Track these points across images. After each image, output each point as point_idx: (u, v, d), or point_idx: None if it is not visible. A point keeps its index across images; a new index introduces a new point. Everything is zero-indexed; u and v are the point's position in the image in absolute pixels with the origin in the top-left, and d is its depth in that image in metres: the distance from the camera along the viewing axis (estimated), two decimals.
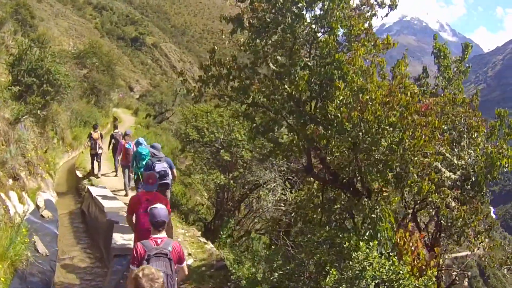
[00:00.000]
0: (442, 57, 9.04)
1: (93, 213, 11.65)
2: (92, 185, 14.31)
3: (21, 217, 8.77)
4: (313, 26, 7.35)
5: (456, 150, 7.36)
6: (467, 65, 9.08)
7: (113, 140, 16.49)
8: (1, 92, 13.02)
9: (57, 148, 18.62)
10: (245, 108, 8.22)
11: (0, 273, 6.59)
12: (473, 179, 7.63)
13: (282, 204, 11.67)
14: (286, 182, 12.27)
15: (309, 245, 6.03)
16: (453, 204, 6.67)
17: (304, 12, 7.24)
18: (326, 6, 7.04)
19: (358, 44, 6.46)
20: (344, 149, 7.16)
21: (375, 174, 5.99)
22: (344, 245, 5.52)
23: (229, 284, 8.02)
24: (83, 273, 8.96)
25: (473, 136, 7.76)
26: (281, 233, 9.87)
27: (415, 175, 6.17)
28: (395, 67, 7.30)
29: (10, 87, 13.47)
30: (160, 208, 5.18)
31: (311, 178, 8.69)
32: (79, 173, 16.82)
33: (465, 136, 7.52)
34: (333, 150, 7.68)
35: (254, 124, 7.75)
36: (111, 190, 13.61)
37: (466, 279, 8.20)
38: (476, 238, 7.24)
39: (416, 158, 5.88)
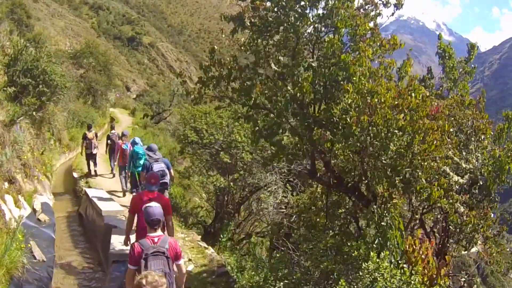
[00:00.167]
0: (447, 57, 8.85)
1: (91, 216, 11.45)
2: (89, 187, 14.10)
3: (17, 222, 8.58)
4: (317, 25, 7.15)
5: (464, 153, 7.17)
6: (472, 65, 8.90)
7: (109, 141, 16.31)
8: None
9: (54, 150, 18.42)
10: (247, 110, 8.03)
11: None
12: (481, 183, 7.47)
13: (283, 207, 11.51)
14: (287, 184, 12.09)
15: (315, 253, 5.84)
16: (462, 209, 6.48)
17: (307, 11, 7.04)
18: (330, 5, 6.85)
19: (365, 44, 6.25)
20: (348, 152, 6.98)
21: (384, 179, 5.80)
22: (353, 254, 5.33)
23: None
24: (81, 279, 8.80)
25: (481, 138, 7.59)
26: (282, 237, 9.67)
27: (424, 180, 5.99)
28: (401, 68, 7.11)
29: (5, 88, 13.22)
30: (155, 207, 5.20)
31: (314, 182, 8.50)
32: (76, 175, 16.60)
33: (472, 139, 7.34)
34: (337, 153, 7.50)
35: (257, 127, 7.53)
36: (108, 191, 13.45)
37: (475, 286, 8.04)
38: (484, 244, 7.07)
39: (426, 163, 5.69)
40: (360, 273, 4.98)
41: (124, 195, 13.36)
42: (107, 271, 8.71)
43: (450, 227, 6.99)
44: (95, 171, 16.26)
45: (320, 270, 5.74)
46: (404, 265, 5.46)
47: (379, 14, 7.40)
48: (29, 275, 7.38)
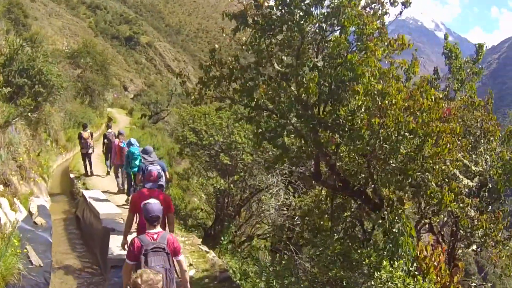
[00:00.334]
0: (453, 58, 8.65)
1: (88, 219, 11.28)
2: (87, 188, 13.90)
3: (12, 227, 8.40)
4: (322, 24, 6.93)
5: (473, 156, 6.99)
6: (479, 66, 8.70)
7: (105, 140, 16.19)
8: None
9: (51, 151, 18.25)
10: (249, 111, 7.81)
11: None
12: (490, 186, 7.29)
13: (285, 209, 11.31)
14: (289, 186, 11.89)
15: (322, 259, 5.63)
16: (472, 213, 6.29)
17: (312, 9, 6.82)
18: (336, 3, 6.62)
19: (373, 44, 6.02)
20: (354, 155, 6.77)
21: (394, 183, 5.59)
22: (364, 262, 5.12)
23: None
24: (79, 284, 8.62)
25: (489, 140, 7.41)
26: (285, 239, 9.47)
27: (434, 184, 5.79)
28: (409, 69, 6.88)
29: (0, 89, 12.98)
30: (154, 203, 5.20)
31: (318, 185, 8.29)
32: (73, 176, 16.40)
33: (482, 141, 7.15)
34: (342, 156, 7.29)
35: (260, 130, 7.31)
36: (104, 190, 13.38)
37: None
38: (494, 247, 6.89)
39: (437, 166, 5.49)
40: (372, 282, 4.78)
41: (120, 192, 13.45)
42: (106, 276, 8.55)
43: (460, 231, 6.79)
44: (90, 171, 16.14)
45: (328, 278, 5.53)
46: (416, 272, 5.26)
47: (386, 13, 7.19)
48: (25, 281, 7.30)
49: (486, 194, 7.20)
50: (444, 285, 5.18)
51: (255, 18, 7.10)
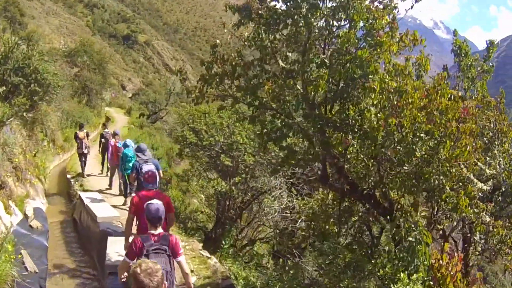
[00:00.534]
0: (463, 55, 8.33)
1: (85, 222, 11.01)
2: (84, 190, 13.58)
3: (7, 231, 8.13)
4: (329, 19, 6.61)
5: (488, 158, 6.68)
6: (490, 64, 8.38)
7: (103, 140, 15.98)
8: None
9: (47, 151, 17.96)
10: (252, 111, 7.49)
11: None
12: (503, 189, 7.00)
13: (288, 212, 11.01)
14: (292, 188, 11.59)
15: (333, 269, 5.33)
16: (487, 219, 5.98)
17: (320, 2, 6.50)
18: None
19: (388, 39, 5.69)
20: (362, 156, 6.46)
21: (408, 188, 5.28)
22: (378, 273, 4.82)
23: None
24: None
25: (502, 142, 7.11)
26: (290, 246, 9.17)
27: (448, 189, 5.48)
28: (420, 66, 6.56)
29: None
30: (157, 204, 5.09)
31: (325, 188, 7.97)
32: (70, 177, 16.10)
33: (496, 142, 6.84)
34: (350, 158, 6.97)
35: (265, 130, 6.98)
36: (101, 191, 13.20)
37: None
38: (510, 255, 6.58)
39: (454, 169, 5.18)
40: None
41: (110, 187, 13.63)
42: (103, 282, 8.24)
43: (475, 237, 6.49)
44: (83, 172, 15.95)
45: None
46: (431, 283, 4.97)
47: (395, 7, 6.88)
48: None
49: (500, 198, 6.91)
50: None
51: (259, 12, 6.78)
